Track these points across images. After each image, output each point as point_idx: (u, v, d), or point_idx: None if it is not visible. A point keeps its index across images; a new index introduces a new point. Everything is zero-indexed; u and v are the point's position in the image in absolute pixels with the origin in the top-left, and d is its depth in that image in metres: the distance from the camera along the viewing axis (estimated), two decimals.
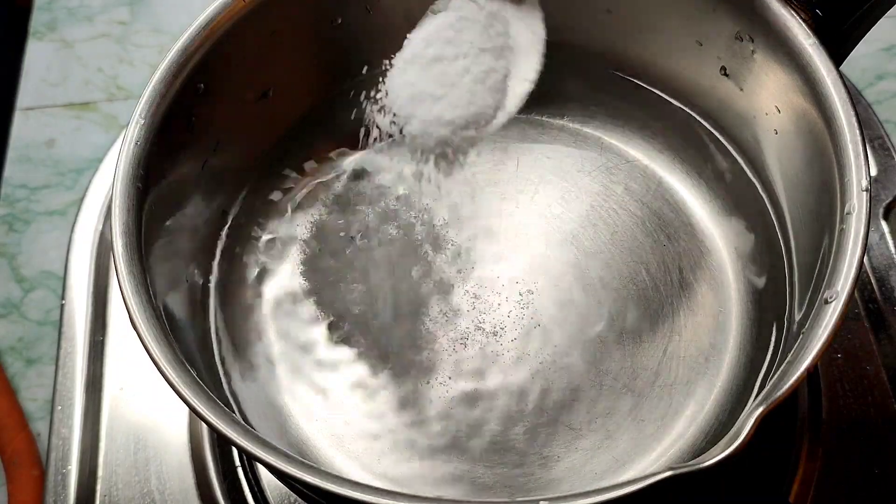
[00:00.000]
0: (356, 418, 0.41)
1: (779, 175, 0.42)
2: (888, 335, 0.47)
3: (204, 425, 0.43)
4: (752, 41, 0.39)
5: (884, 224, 0.50)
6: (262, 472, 0.44)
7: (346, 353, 0.42)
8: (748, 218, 0.44)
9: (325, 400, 0.41)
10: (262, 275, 0.45)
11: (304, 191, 0.47)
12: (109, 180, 0.52)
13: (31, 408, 0.50)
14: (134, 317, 0.33)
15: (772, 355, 0.40)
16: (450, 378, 0.41)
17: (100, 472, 0.46)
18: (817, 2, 0.37)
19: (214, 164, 0.42)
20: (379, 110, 0.41)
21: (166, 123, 0.38)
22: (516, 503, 0.37)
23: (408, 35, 0.41)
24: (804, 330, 0.32)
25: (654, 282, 0.43)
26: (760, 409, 0.29)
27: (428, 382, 0.41)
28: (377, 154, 0.48)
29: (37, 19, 0.64)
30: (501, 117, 0.41)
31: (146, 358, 0.33)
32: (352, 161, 0.48)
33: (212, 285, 0.43)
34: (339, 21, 0.44)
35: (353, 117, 0.48)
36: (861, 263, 0.32)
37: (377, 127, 0.41)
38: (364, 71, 0.47)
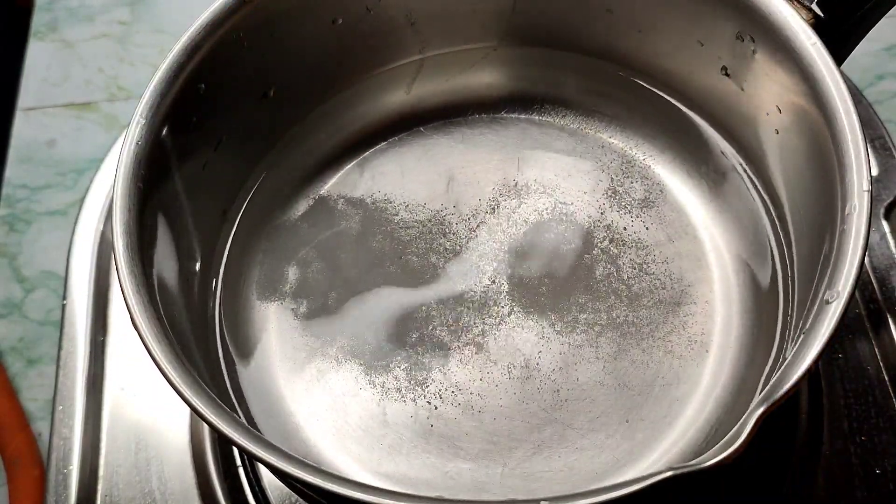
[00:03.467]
0: (358, 418, 0.41)
1: (779, 175, 0.42)
2: (889, 335, 0.47)
3: (205, 425, 0.43)
4: (753, 41, 0.39)
5: (885, 224, 0.50)
6: (264, 472, 0.44)
7: (348, 353, 0.42)
8: (749, 218, 0.44)
9: (327, 400, 0.41)
10: (264, 275, 0.45)
11: (306, 191, 0.47)
12: (110, 180, 0.53)
13: (32, 408, 0.50)
14: (135, 317, 0.33)
15: (772, 355, 0.40)
16: (452, 379, 0.41)
17: (101, 472, 0.46)
18: (818, 2, 0.37)
19: (215, 165, 0.43)
20: None
21: (167, 123, 0.38)
22: (517, 503, 0.37)
23: None
24: (805, 330, 0.32)
25: (655, 282, 0.43)
26: (761, 410, 0.29)
27: (430, 383, 0.41)
28: (381, 155, 0.48)
29: (37, 19, 0.64)
30: None
31: (147, 358, 0.33)
32: (354, 162, 0.48)
33: (213, 285, 0.44)
34: (340, 21, 0.44)
35: (356, 118, 0.49)
36: (862, 264, 0.32)
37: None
38: (366, 72, 0.48)
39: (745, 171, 0.44)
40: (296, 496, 0.43)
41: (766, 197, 0.43)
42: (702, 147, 0.46)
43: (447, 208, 0.46)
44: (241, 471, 0.44)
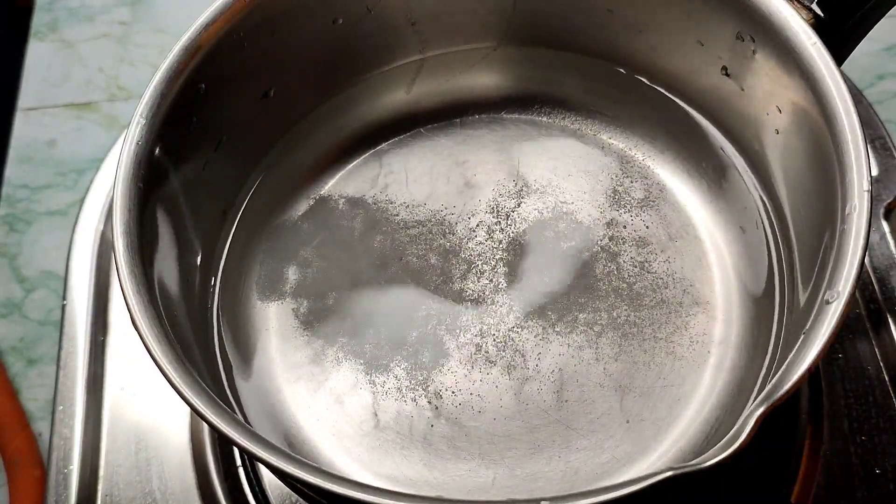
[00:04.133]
0: (358, 418, 0.41)
1: (780, 175, 0.42)
2: (889, 335, 0.47)
3: (205, 425, 0.43)
4: (754, 41, 0.39)
5: (884, 224, 0.50)
6: (264, 472, 0.44)
7: (348, 353, 0.42)
8: (749, 217, 0.44)
9: (327, 399, 0.41)
10: (265, 275, 0.45)
11: (307, 191, 0.47)
12: (110, 180, 0.53)
13: (33, 408, 0.50)
14: (135, 317, 0.33)
15: (772, 355, 0.40)
16: (452, 379, 0.41)
17: (101, 472, 0.46)
18: (819, 1, 0.37)
19: (215, 165, 0.43)
20: None
21: (167, 123, 0.38)
22: (517, 503, 0.37)
23: None
24: (805, 330, 0.32)
25: (655, 281, 0.43)
26: (761, 410, 0.29)
27: (430, 383, 0.41)
28: (381, 155, 0.48)
29: (38, 19, 0.64)
30: None
31: (147, 358, 0.33)
32: (355, 162, 0.48)
33: (213, 285, 0.44)
34: (340, 21, 0.44)
35: (356, 118, 0.49)
36: (862, 264, 0.32)
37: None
38: (366, 72, 0.48)
39: (745, 170, 0.44)
40: (296, 496, 0.43)
41: (766, 197, 0.43)
42: (702, 147, 0.46)
43: (447, 208, 0.46)
44: (241, 471, 0.44)
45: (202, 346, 0.41)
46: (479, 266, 0.44)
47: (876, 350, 0.47)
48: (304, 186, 0.47)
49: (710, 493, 0.42)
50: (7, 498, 0.47)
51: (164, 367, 0.32)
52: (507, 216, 0.46)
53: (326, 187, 0.47)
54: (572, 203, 0.46)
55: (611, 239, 0.45)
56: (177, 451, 0.46)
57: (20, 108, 0.60)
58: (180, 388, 0.32)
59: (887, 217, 0.51)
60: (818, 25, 0.37)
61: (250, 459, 0.44)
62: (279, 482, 0.43)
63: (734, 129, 0.44)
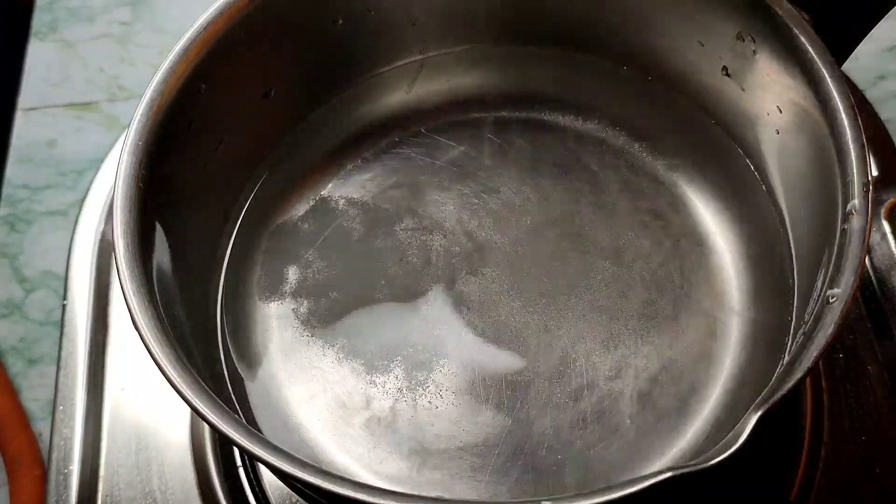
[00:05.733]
0: (358, 418, 0.41)
1: (781, 175, 0.42)
2: (889, 335, 0.47)
3: (205, 425, 0.44)
4: (754, 41, 0.39)
5: (885, 224, 0.50)
6: (264, 472, 0.44)
7: (348, 353, 0.42)
8: (750, 218, 0.44)
9: (327, 399, 0.41)
10: (265, 275, 0.45)
11: (307, 192, 0.47)
12: (111, 181, 0.53)
13: (33, 408, 0.50)
14: (136, 317, 0.33)
15: (773, 356, 0.40)
16: (453, 379, 0.41)
17: (101, 472, 0.46)
18: (819, 1, 0.37)
19: (216, 165, 0.43)
20: None
21: (168, 124, 0.38)
22: (517, 503, 0.38)
23: None
24: (806, 330, 0.32)
25: (656, 282, 0.43)
26: (762, 410, 0.29)
27: (430, 384, 0.41)
28: (382, 155, 0.48)
29: (38, 19, 0.64)
30: None
31: (148, 358, 0.33)
32: (356, 162, 0.48)
33: (214, 285, 0.44)
34: (341, 21, 0.45)
35: (356, 118, 0.49)
36: (863, 264, 0.32)
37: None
38: (367, 72, 0.48)
39: (746, 170, 0.44)
40: (296, 496, 0.43)
41: (767, 196, 0.43)
42: (702, 147, 0.46)
43: (448, 208, 0.46)
44: (241, 471, 0.44)
45: (202, 346, 0.41)
46: (480, 267, 0.44)
47: (876, 350, 0.47)
48: (304, 187, 0.47)
49: (711, 493, 0.42)
50: (7, 498, 0.47)
51: (164, 367, 0.32)
52: (508, 217, 0.46)
53: (327, 188, 0.47)
54: (573, 203, 0.46)
55: (612, 240, 0.45)
56: (177, 451, 0.46)
57: (20, 108, 0.60)
58: (180, 388, 0.32)
59: (888, 217, 0.51)
60: (819, 25, 0.37)
61: (250, 459, 0.44)
62: (279, 482, 0.43)
63: (735, 128, 0.44)
